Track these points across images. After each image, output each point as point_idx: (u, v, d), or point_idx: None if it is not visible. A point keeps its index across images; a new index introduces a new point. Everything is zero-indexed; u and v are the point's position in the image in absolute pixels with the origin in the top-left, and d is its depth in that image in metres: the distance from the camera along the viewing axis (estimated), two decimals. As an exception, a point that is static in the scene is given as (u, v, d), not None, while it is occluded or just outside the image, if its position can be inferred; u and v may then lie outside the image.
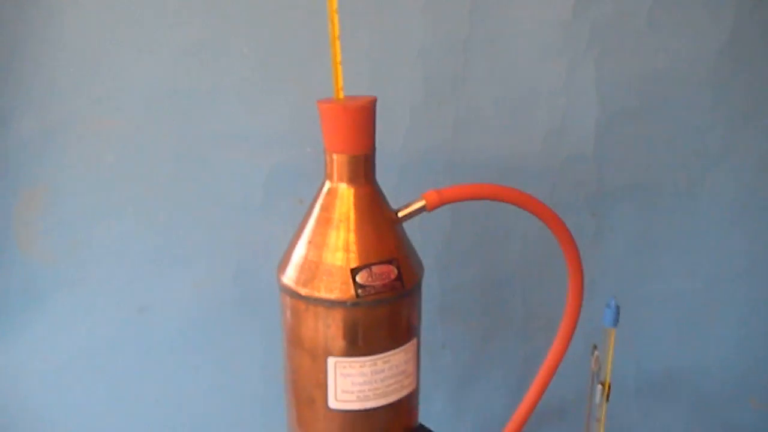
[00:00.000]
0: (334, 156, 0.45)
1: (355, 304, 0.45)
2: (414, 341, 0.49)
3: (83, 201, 0.71)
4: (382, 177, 0.50)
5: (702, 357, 0.77)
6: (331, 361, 0.46)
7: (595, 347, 0.53)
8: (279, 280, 0.47)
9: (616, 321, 0.48)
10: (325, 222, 0.46)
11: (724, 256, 0.75)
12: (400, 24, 0.67)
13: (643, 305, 0.75)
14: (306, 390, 0.48)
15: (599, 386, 0.50)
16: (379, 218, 0.46)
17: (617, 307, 0.47)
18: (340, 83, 0.45)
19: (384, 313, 0.46)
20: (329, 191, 0.46)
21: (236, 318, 0.72)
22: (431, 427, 0.54)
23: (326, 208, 0.46)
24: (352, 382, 0.46)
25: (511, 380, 0.75)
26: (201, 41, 0.66)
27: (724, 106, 0.71)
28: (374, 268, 0.45)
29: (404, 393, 0.49)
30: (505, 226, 0.73)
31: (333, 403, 0.47)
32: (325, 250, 0.45)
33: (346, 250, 0.45)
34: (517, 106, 0.70)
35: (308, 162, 0.68)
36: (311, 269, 0.45)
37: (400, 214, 0.48)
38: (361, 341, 0.46)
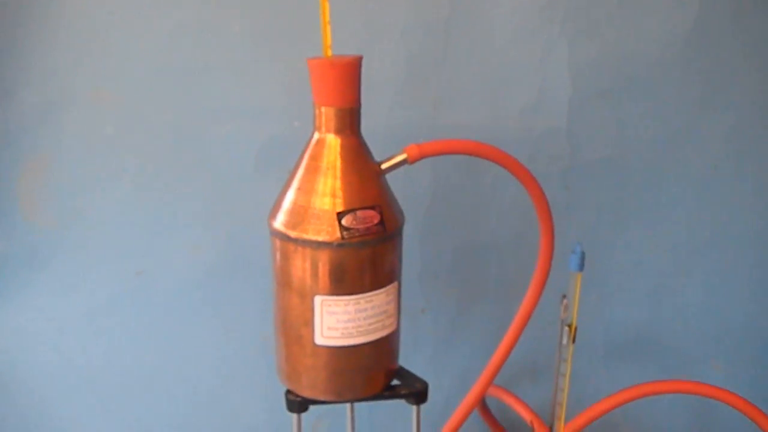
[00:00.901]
0: (323, 109, 0.49)
1: (340, 245, 0.49)
2: (395, 284, 0.53)
3: (84, 170, 0.74)
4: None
5: (667, 323, 0.81)
6: (318, 299, 0.50)
7: (564, 296, 0.57)
8: (270, 225, 0.51)
9: (581, 266, 0.52)
10: (313, 170, 0.50)
11: (689, 228, 0.79)
12: (384, 6, 0.71)
13: (613, 274, 0.80)
14: (294, 328, 0.52)
15: (566, 328, 0.54)
16: (363, 167, 0.50)
17: (582, 253, 0.51)
18: (329, 41, 0.49)
19: (367, 255, 0.50)
20: (317, 141, 0.50)
21: (229, 280, 0.75)
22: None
23: (314, 158, 0.50)
24: (337, 320, 0.50)
25: (488, 343, 0.79)
26: (195, 19, 0.70)
27: (691, 86, 0.75)
28: (359, 213, 0.49)
29: (386, 332, 0.53)
30: (483, 198, 0.77)
31: (319, 340, 0.51)
32: (314, 195, 0.49)
33: (333, 195, 0.49)
34: (495, 83, 0.74)
35: (296, 135, 0.72)
36: (300, 213, 0.49)
37: (383, 166, 0.52)
38: (346, 281, 0.50)
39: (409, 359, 0.62)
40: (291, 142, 0.72)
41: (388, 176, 0.54)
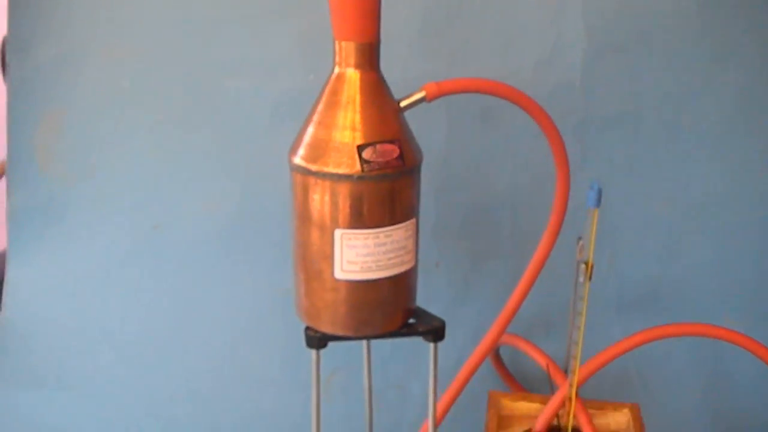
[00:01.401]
0: (342, 44, 0.50)
1: (360, 177, 0.49)
2: (413, 220, 0.53)
3: (100, 124, 0.75)
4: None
5: (680, 278, 0.81)
6: (338, 233, 0.51)
7: (579, 238, 0.57)
8: (290, 161, 0.52)
9: (598, 202, 0.52)
10: (333, 104, 0.50)
11: (703, 183, 0.79)
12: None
13: (626, 228, 0.80)
14: (314, 263, 0.52)
15: (582, 266, 0.55)
16: (383, 103, 0.51)
17: (599, 190, 0.52)
18: (349, -24, 0.50)
19: (386, 189, 0.50)
20: (337, 76, 0.51)
21: (245, 233, 0.76)
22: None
23: (334, 92, 0.51)
24: (357, 254, 0.51)
25: (501, 297, 0.79)
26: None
27: (707, 39, 0.75)
28: (378, 146, 0.50)
29: (404, 268, 0.53)
30: (497, 152, 0.77)
31: (339, 274, 0.51)
32: (334, 129, 0.50)
33: (353, 129, 0.50)
34: (509, 37, 0.75)
35: (311, 89, 0.73)
36: (321, 147, 0.50)
37: (402, 104, 0.52)
38: (366, 214, 0.50)
39: (423, 311, 0.63)
40: (305, 95, 0.72)
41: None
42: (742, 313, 0.82)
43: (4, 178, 0.76)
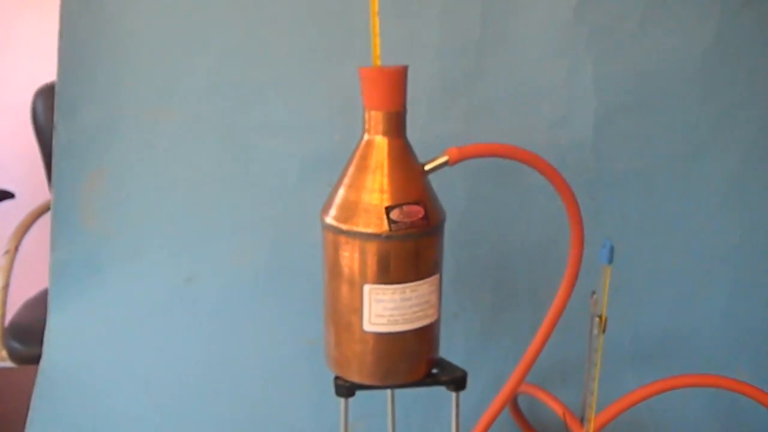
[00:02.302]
0: (372, 113, 0.54)
1: (388, 237, 0.53)
2: (437, 276, 0.57)
3: (139, 182, 0.79)
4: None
5: (693, 329, 0.84)
6: (367, 288, 0.54)
7: (593, 292, 0.61)
8: (322, 220, 0.56)
9: (610, 259, 0.55)
10: (363, 168, 0.55)
11: (712, 237, 0.82)
12: (419, 27, 0.76)
13: (639, 281, 0.83)
14: (344, 316, 0.56)
15: (596, 319, 0.58)
16: (409, 166, 0.55)
17: (611, 246, 0.55)
18: (377, 52, 0.54)
19: (412, 247, 0.54)
20: (367, 143, 0.55)
21: (274, 286, 0.80)
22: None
23: (364, 157, 0.55)
24: (384, 307, 0.54)
25: (519, 348, 0.82)
26: (245, 42, 0.76)
27: (711, 100, 0.79)
28: (405, 207, 0.54)
29: (428, 321, 0.57)
30: (513, 208, 0.81)
31: (367, 326, 0.55)
32: (363, 191, 0.54)
33: (381, 191, 0.54)
34: (524, 100, 0.79)
35: (337, 149, 0.77)
36: (351, 208, 0.54)
37: (426, 167, 0.57)
38: (393, 271, 0.54)
39: (442, 362, 0.65)
40: (332, 155, 0.77)
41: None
42: (754, 363, 0.85)
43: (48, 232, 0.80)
